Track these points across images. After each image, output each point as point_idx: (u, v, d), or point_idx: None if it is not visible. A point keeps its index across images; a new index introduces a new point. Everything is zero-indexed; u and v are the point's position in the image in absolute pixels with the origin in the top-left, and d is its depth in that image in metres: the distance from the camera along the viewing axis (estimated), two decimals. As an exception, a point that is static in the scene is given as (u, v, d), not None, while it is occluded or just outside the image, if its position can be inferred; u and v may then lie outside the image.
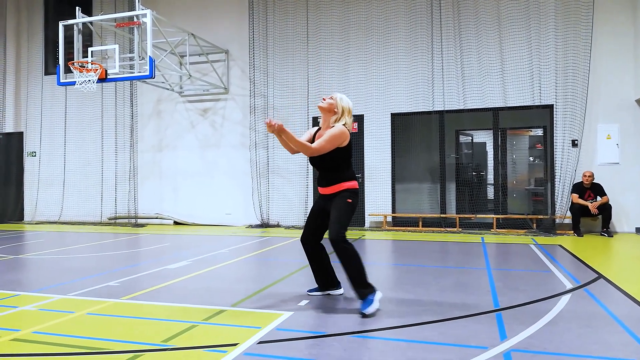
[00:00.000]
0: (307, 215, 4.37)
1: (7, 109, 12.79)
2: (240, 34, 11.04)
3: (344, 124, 3.96)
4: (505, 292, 4.41)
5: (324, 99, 4.05)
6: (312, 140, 4.11)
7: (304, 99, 10.63)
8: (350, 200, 3.95)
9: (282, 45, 10.78)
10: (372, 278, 5.14)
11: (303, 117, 10.67)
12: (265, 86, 10.85)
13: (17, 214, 12.70)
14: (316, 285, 4.40)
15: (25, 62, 12.83)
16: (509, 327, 3.35)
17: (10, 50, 12.86)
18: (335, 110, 4.01)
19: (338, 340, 3.15)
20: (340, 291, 4.36)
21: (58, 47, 9.08)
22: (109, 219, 11.78)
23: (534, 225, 9.17)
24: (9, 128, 12.84)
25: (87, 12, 11.97)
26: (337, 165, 4.00)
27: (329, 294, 4.34)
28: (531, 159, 12.59)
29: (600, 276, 5.02)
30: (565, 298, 4.16)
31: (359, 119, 10.41)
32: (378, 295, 3.86)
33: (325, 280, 4.31)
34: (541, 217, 9.28)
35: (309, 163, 4.11)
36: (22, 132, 12.89)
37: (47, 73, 12.70)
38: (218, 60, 11.19)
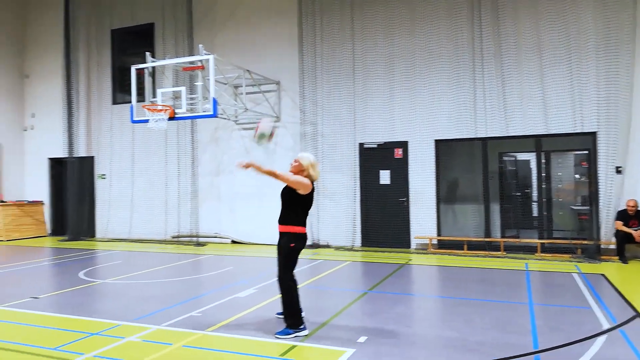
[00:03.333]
0: None
1: (80, 135, 14.08)
2: (290, 66, 11.80)
3: (308, 176, 4.86)
4: (544, 332, 4.87)
5: (291, 164, 4.98)
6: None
7: (351, 126, 11.27)
8: (292, 245, 4.84)
9: (329, 76, 11.47)
10: (422, 313, 5.75)
11: (350, 143, 11.30)
12: (314, 115, 11.56)
13: (90, 231, 13.96)
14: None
15: (95, 92, 14.11)
16: (545, 371, 3.85)
17: (82, 82, 14.17)
18: (302, 169, 4.90)
19: (396, 379, 3.76)
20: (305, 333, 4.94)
21: (130, 86, 10.13)
22: (173, 237, 12.82)
23: (579, 250, 9.41)
24: (81, 153, 14.12)
25: (150, 46, 13.10)
26: (293, 209, 4.88)
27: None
28: (577, 176, 12.71)
29: (637, 314, 5.38)
30: (601, 340, 4.59)
31: (403, 145, 10.96)
32: (301, 332, 4.76)
33: None
34: (586, 242, 9.51)
35: (280, 196, 4.98)
36: (94, 157, 14.17)
37: (114, 102, 13.93)
38: (270, 91, 12.00)
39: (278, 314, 5.38)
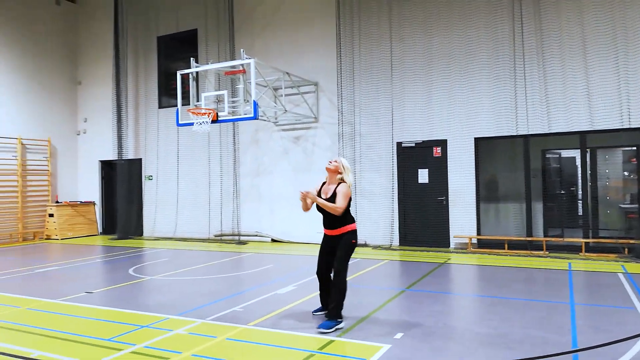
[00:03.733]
0: (318, 254, 5.45)
1: (129, 138, 14.77)
2: (328, 67, 11.96)
3: (347, 182, 5.21)
4: (585, 331, 4.82)
5: (330, 162, 5.28)
6: (319, 192, 5.37)
7: (388, 125, 11.32)
8: (353, 241, 5.20)
9: (367, 76, 11.55)
10: (459, 311, 5.78)
11: (388, 142, 11.35)
12: (352, 115, 11.68)
13: (138, 230, 14.63)
14: (320, 306, 5.60)
15: (143, 97, 14.76)
16: (583, 370, 3.84)
17: (131, 87, 14.85)
18: (340, 171, 5.21)
19: (431, 374, 3.85)
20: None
21: (176, 92, 10.57)
22: (215, 236, 13.26)
23: (626, 250, 9.11)
24: (130, 155, 14.81)
25: (194, 51, 13.59)
26: (342, 214, 5.14)
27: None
28: (626, 173, 12.24)
29: (685, 316, 5.22)
30: (644, 340, 4.50)
31: (442, 143, 10.91)
32: (340, 325, 5.04)
33: (325, 301, 5.46)
34: (633, 241, 9.19)
35: (318, 210, 5.30)
36: (141, 159, 14.83)
37: (160, 106, 14.52)
38: (308, 92, 12.21)
39: (315, 311, 5.57)
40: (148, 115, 14.66)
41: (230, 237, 12.97)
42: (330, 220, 5.22)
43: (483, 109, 10.48)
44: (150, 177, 14.63)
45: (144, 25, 14.67)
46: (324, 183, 5.41)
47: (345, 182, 5.21)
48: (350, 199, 5.22)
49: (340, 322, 5.07)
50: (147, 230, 14.61)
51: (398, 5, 11.28)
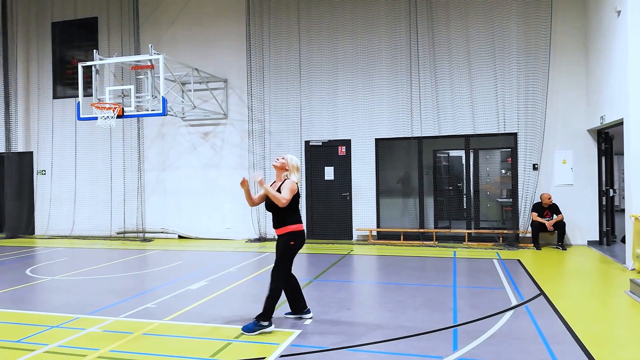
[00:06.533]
0: None
1: (18, 130, 13.67)
2: (238, 65, 12.13)
3: (294, 179, 5.02)
4: (464, 309, 5.66)
5: (277, 159, 5.17)
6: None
7: (296, 124, 11.80)
8: (292, 243, 4.99)
9: (277, 75, 11.92)
10: (362, 297, 6.41)
11: (296, 140, 11.84)
12: (261, 112, 11.98)
13: (29, 229, 13.64)
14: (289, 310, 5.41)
15: (35, 86, 13.73)
16: (461, 341, 4.60)
17: (21, 75, 13.74)
18: (287, 168, 5.10)
19: (338, 352, 4.37)
20: (310, 315, 5.36)
21: (73, 82, 10.10)
22: (117, 233, 12.83)
23: (500, 239, 10.51)
24: (20, 148, 13.73)
25: (93, 40, 12.97)
26: (285, 211, 4.97)
27: (300, 317, 5.34)
28: (503, 171, 13.97)
29: (541, 293, 6.32)
30: (509, 314, 5.43)
31: (346, 143, 11.63)
32: (266, 329, 4.86)
33: (295, 304, 5.34)
34: (506, 232, 10.62)
35: (265, 208, 5.15)
36: (32, 152, 13.81)
37: (55, 96, 13.63)
38: (218, 88, 12.28)
39: (286, 314, 5.42)
40: (41, 106, 13.70)
41: (134, 235, 12.64)
42: (275, 218, 5.01)
43: (383, 112, 11.37)
44: (44, 172, 13.71)
45: (37, 9, 13.64)
46: (273, 183, 5.18)
47: (291, 179, 4.99)
48: (295, 201, 5.00)
49: (266, 325, 4.85)
50: (39, 229, 13.69)
51: (306, 8, 11.77)
